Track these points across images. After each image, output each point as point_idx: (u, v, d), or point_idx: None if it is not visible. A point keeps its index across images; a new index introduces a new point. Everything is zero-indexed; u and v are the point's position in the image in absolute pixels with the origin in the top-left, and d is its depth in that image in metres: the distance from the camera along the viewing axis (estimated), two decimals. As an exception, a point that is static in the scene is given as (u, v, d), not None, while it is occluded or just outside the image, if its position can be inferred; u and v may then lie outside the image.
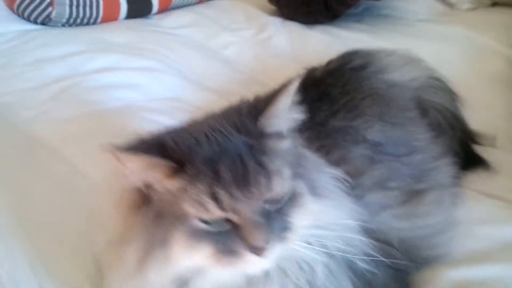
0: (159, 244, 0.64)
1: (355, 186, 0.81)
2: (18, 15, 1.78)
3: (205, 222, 0.62)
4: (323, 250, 0.68)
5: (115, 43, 1.64)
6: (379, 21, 1.79)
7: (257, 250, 0.61)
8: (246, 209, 0.61)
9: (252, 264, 0.63)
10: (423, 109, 1.11)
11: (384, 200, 0.85)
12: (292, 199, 0.66)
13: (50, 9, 1.74)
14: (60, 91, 1.34)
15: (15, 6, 1.75)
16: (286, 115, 0.68)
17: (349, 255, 0.71)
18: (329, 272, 0.70)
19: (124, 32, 1.76)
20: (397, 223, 0.82)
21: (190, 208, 0.62)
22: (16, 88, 1.36)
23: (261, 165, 0.63)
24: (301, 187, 0.67)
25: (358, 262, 0.71)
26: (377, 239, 0.76)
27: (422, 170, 0.94)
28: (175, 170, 0.63)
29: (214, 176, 0.61)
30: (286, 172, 0.65)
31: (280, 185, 0.64)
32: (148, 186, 0.65)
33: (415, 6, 1.88)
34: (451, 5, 1.88)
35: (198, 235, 0.62)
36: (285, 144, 0.68)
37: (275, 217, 0.64)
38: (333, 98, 1.02)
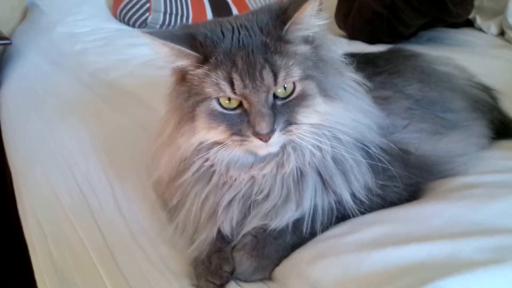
0: (188, 118, 0.78)
1: (383, 109, 0.90)
2: (119, 20, 2.07)
3: (222, 106, 0.75)
4: (330, 142, 0.78)
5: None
6: (439, 47, 1.91)
7: (260, 136, 0.73)
8: (254, 97, 0.73)
9: (257, 147, 0.75)
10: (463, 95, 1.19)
11: (409, 126, 0.93)
12: (299, 98, 0.76)
13: (147, 14, 2.02)
14: (143, 62, 1.58)
15: (118, 11, 2.05)
16: (309, 22, 0.76)
17: (361, 142, 0.80)
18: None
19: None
20: (418, 141, 0.91)
21: (210, 90, 0.75)
22: (110, 59, 1.65)
23: (269, 62, 0.74)
24: (311, 88, 0.77)
25: (371, 147, 0.81)
26: (395, 145, 0.85)
27: (454, 125, 1.01)
28: (201, 60, 0.75)
29: (232, 65, 0.74)
30: (296, 72, 0.75)
31: (286, 81, 0.74)
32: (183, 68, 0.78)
33: (475, 38, 1.98)
34: (510, 40, 1.97)
35: (216, 115, 0.76)
36: (303, 48, 0.78)
37: (281, 111, 0.75)
38: (378, 64, 1.12)
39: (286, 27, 0.75)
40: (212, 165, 0.80)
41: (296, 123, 0.76)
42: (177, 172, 0.83)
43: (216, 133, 0.77)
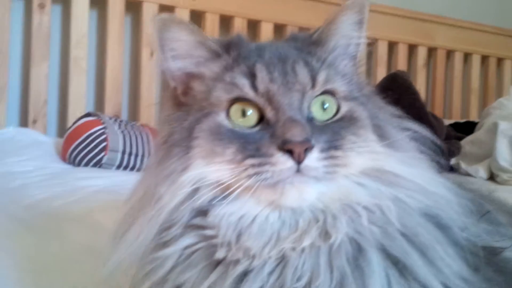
0: (180, 148, 0.55)
1: None
2: (69, 162, 1.80)
3: (232, 122, 0.54)
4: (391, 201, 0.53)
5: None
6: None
7: (292, 145, 0.49)
8: (283, 97, 0.53)
9: (282, 169, 0.50)
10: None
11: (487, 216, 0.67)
12: (346, 120, 0.55)
13: (102, 154, 1.77)
14: (97, 190, 1.34)
15: (68, 152, 1.79)
16: (347, 31, 0.61)
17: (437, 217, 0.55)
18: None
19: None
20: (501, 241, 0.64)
21: (219, 94, 0.55)
22: (55, 190, 1.36)
23: (303, 59, 0.57)
24: (362, 114, 0.57)
25: (454, 227, 0.55)
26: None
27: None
28: (219, 52, 0.59)
29: (257, 58, 0.56)
30: (340, 83, 0.57)
31: (328, 86, 0.56)
32: (185, 79, 0.60)
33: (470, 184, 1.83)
34: (504, 182, 1.82)
35: (222, 134, 0.53)
36: (347, 64, 0.62)
37: (321, 129, 0.53)
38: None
39: (320, 30, 0.60)
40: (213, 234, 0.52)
41: (341, 150, 0.52)
42: (155, 247, 0.53)
43: (222, 164, 0.51)
